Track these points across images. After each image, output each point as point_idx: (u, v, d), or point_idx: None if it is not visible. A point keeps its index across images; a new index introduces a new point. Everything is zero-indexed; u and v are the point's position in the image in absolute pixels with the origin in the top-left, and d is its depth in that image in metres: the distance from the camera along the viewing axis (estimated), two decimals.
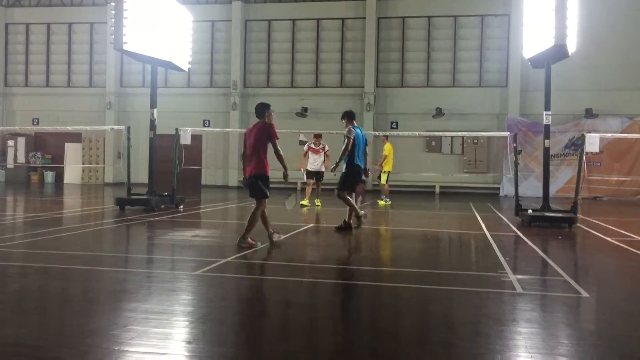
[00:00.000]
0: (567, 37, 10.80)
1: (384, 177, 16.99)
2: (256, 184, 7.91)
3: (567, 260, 8.26)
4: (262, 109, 8.15)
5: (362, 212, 9.93)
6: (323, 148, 14.91)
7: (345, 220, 9.94)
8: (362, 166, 9.97)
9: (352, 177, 9.95)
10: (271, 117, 8.15)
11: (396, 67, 24.24)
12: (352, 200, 9.93)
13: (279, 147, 7.94)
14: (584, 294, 5.57)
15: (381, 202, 16.57)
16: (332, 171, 10.41)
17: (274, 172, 8.09)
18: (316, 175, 14.83)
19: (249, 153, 7.98)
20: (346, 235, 9.68)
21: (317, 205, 14.58)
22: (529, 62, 12.93)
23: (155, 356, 3.68)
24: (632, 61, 21.74)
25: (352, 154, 9.84)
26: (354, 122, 10.08)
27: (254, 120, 8.24)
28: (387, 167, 16.86)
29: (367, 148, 10.28)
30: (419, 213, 14.88)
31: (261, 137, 7.91)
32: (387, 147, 16.88)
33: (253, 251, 7.70)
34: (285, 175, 7.99)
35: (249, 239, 7.91)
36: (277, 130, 8.00)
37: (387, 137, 17.49)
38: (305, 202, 14.63)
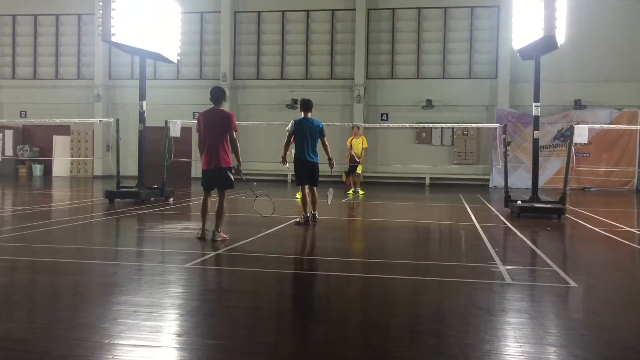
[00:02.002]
0: (556, 28, 10.84)
1: (360, 168, 17.29)
2: (227, 175, 7.82)
3: (555, 250, 8.32)
4: (221, 95, 7.94)
5: (308, 215, 9.80)
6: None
7: (307, 214, 9.88)
8: (310, 158, 9.74)
9: (297, 169, 9.88)
10: (224, 104, 8.04)
11: (386, 59, 24.22)
12: (305, 196, 9.83)
13: (236, 139, 7.88)
14: (573, 284, 5.61)
15: (350, 192, 16.93)
16: (281, 163, 10.16)
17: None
18: None
19: (213, 143, 7.72)
20: (334, 227, 9.67)
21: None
22: (519, 54, 12.96)
23: (145, 349, 3.67)
24: (621, 52, 21.85)
25: (298, 146, 9.77)
26: (308, 114, 9.87)
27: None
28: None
29: (325, 139, 10.02)
30: (409, 204, 14.91)
31: (225, 126, 7.75)
32: (364, 140, 17.12)
33: (243, 243, 7.69)
34: (239, 170, 7.92)
35: (222, 233, 7.86)
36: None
37: (359, 128, 17.63)
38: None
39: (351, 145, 17.05)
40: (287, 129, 9.94)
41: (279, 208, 11.02)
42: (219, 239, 7.75)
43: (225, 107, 8.04)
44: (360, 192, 17.04)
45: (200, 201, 8.10)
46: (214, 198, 8.10)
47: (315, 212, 9.97)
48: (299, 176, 9.93)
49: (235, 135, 7.88)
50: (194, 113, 24.38)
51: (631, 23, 21.91)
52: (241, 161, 8.03)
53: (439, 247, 8.94)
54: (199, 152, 8.04)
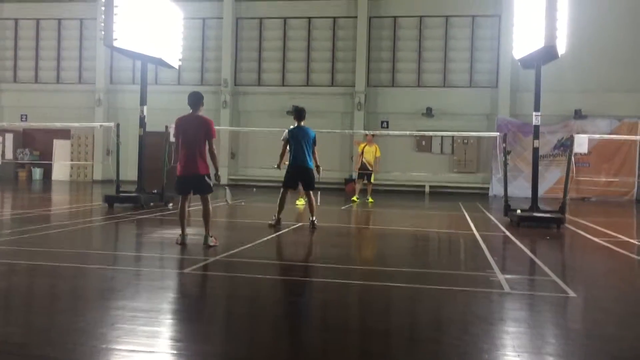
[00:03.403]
0: (557, 38, 10.86)
1: (373, 177, 17.24)
2: (205, 181, 7.78)
3: (555, 260, 8.31)
4: (199, 100, 7.83)
5: (277, 218, 10.01)
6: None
7: (279, 216, 10.10)
8: (304, 164, 9.96)
9: (288, 174, 10.14)
10: (202, 109, 7.95)
11: (387, 67, 24.26)
12: (282, 201, 10.10)
13: (214, 147, 7.82)
14: (572, 293, 5.60)
15: (355, 198, 16.81)
16: (277, 167, 10.57)
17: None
18: None
19: (191, 149, 7.64)
20: (334, 234, 9.65)
21: (301, 204, 14.44)
22: (519, 63, 12.99)
23: (142, 354, 3.66)
24: (621, 62, 21.87)
25: (293, 153, 10.03)
26: (301, 122, 10.13)
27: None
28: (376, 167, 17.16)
29: (315, 147, 10.24)
30: (408, 212, 14.90)
31: (204, 133, 7.67)
32: (377, 149, 17.07)
33: (242, 250, 7.68)
34: (217, 176, 7.84)
35: (213, 237, 7.83)
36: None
37: (373, 135, 17.59)
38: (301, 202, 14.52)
39: (362, 151, 16.92)
40: (282, 138, 10.25)
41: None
42: (212, 243, 7.74)
43: (203, 112, 7.99)
44: (370, 199, 16.85)
45: (179, 207, 8.04)
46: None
47: (314, 218, 10.00)
48: (287, 180, 10.15)
49: (213, 143, 7.79)
50: None
51: (632, 34, 21.94)
52: (218, 168, 7.96)
53: (438, 255, 8.93)
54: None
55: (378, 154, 17.06)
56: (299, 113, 10.21)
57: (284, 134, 10.26)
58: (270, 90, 24.48)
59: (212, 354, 3.76)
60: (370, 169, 16.83)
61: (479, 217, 13.29)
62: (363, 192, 17.56)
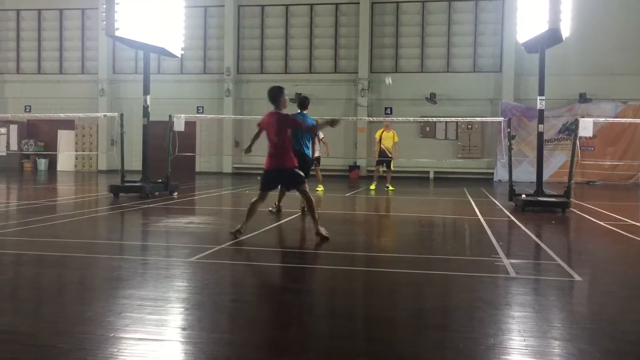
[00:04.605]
0: (561, 21, 10.80)
1: (392, 164, 17.11)
2: (294, 172, 7.60)
3: (560, 244, 8.30)
4: (277, 95, 7.56)
5: (277, 205, 10.34)
6: (317, 135, 14.55)
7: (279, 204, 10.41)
8: (299, 150, 9.91)
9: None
10: (286, 102, 7.68)
11: (390, 53, 24.17)
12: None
13: (304, 126, 7.79)
14: (577, 277, 5.60)
15: (373, 186, 16.76)
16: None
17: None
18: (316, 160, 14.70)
19: (274, 145, 7.49)
20: (338, 221, 9.68)
21: (320, 190, 14.60)
22: (523, 47, 12.92)
23: (150, 343, 3.68)
24: (626, 46, 21.73)
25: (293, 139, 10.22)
26: (304, 110, 10.17)
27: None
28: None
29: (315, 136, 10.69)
30: (413, 198, 14.90)
31: (285, 130, 7.47)
32: (395, 135, 16.93)
33: (248, 237, 7.70)
34: (335, 121, 7.66)
35: (322, 230, 7.61)
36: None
37: (390, 121, 17.54)
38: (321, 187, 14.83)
39: (380, 138, 16.81)
40: None
41: (285, 202, 11.01)
42: (324, 233, 7.54)
43: (286, 104, 7.68)
44: (390, 187, 16.55)
45: (252, 200, 7.79)
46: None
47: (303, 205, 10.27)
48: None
49: (305, 127, 7.86)
50: (198, 107, 24.45)
51: (636, 16, 21.78)
52: (324, 122, 7.88)
53: (443, 241, 8.93)
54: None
55: (396, 139, 16.89)
56: (302, 102, 10.29)
57: None
58: (273, 78, 24.37)
59: (219, 341, 3.78)
60: (390, 155, 16.73)
61: (484, 202, 13.28)
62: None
